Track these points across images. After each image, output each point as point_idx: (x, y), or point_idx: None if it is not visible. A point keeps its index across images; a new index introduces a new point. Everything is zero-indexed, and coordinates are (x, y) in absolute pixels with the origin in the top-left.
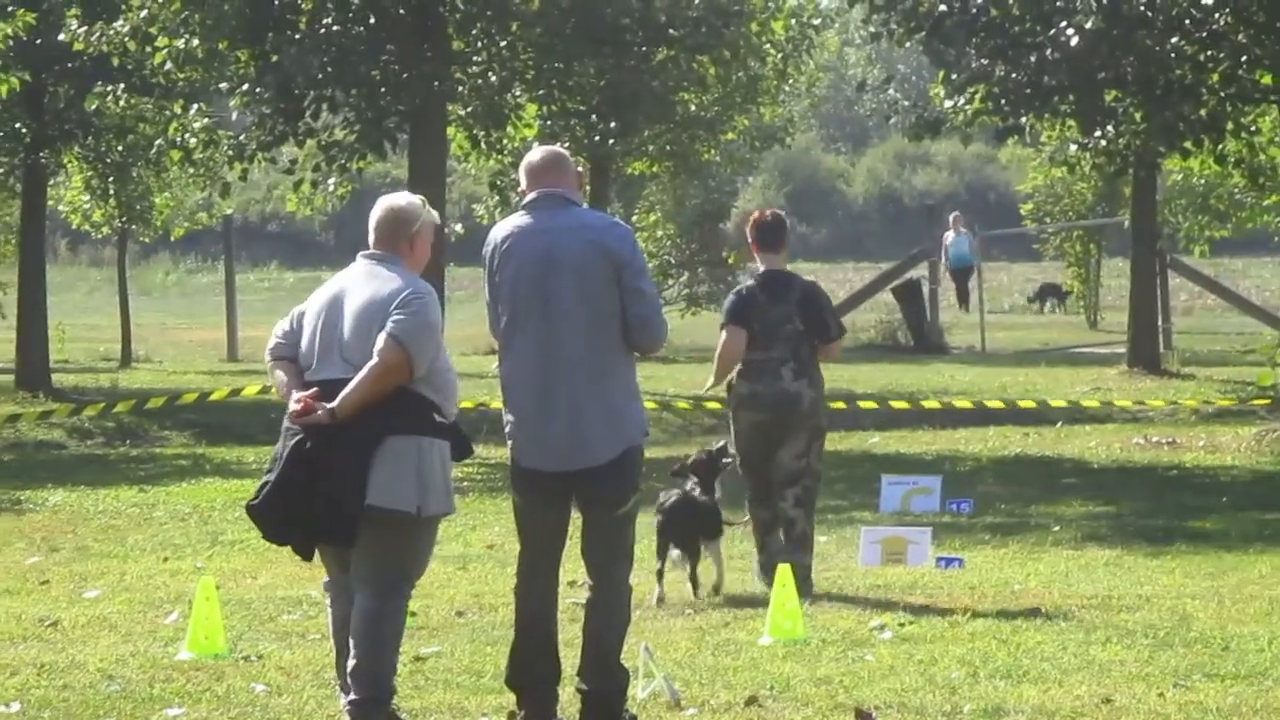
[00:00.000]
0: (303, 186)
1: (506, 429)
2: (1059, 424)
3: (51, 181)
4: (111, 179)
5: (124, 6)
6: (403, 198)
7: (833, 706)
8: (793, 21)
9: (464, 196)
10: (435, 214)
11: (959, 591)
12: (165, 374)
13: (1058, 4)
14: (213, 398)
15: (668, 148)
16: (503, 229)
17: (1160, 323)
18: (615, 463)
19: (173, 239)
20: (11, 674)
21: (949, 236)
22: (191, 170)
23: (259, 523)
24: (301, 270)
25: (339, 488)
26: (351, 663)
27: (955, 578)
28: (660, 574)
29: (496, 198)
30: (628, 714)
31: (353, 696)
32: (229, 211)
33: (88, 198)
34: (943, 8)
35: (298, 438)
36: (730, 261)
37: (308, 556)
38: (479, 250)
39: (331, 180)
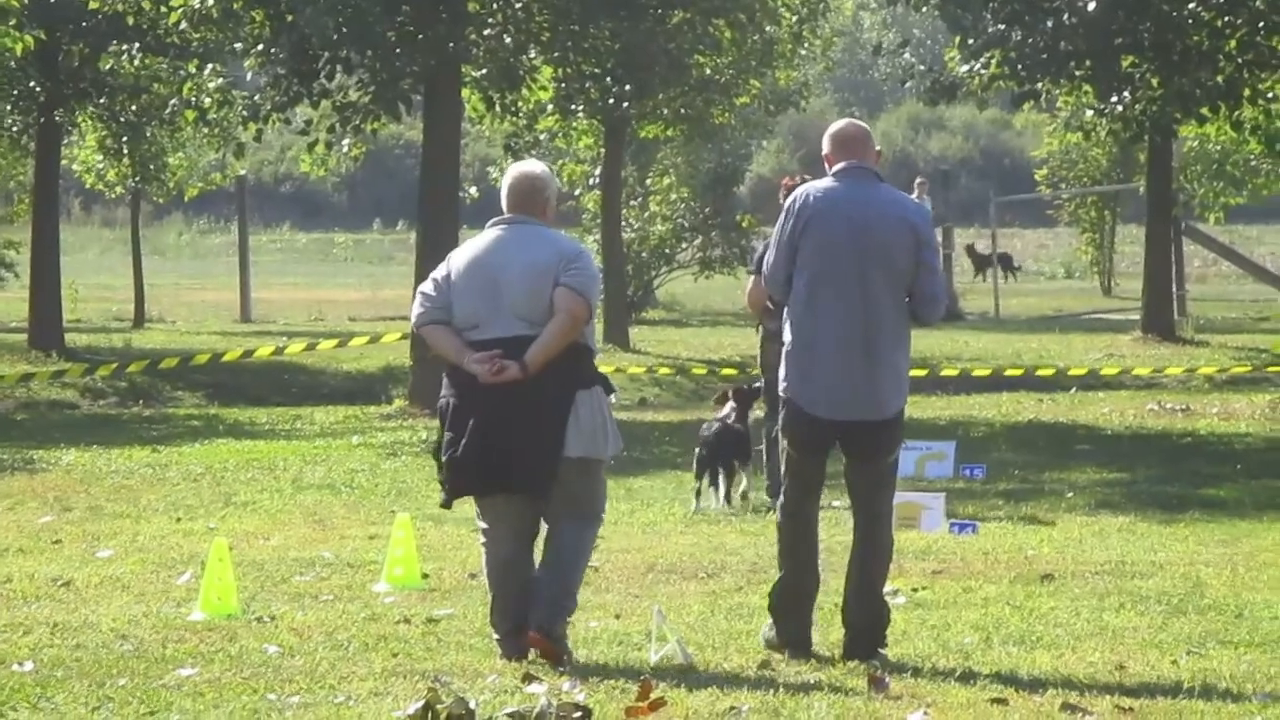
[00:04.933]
0: (317, 147)
1: (787, 376)
2: (1073, 390)
3: (65, 141)
4: (125, 138)
5: None
6: (536, 165)
7: (846, 671)
8: None
9: (477, 159)
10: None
11: (972, 557)
12: (178, 334)
13: None
14: (225, 358)
15: (682, 111)
16: (813, 191)
17: (1175, 289)
18: (892, 420)
19: (186, 199)
20: (25, 633)
21: None
22: (205, 130)
23: (458, 475)
24: (314, 231)
25: (542, 442)
26: (540, 581)
27: (969, 543)
28: (698, 492)
29: (510, 160)
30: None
31: (540, 608)
32: (242, 172)
33: (101, 157)
34: None
35: (483, 394)
36: (743, 225)
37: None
38: (492, 213)
39: (345, 141)
